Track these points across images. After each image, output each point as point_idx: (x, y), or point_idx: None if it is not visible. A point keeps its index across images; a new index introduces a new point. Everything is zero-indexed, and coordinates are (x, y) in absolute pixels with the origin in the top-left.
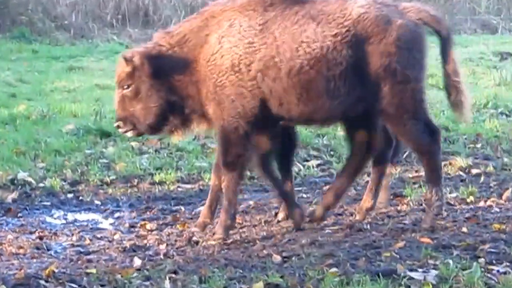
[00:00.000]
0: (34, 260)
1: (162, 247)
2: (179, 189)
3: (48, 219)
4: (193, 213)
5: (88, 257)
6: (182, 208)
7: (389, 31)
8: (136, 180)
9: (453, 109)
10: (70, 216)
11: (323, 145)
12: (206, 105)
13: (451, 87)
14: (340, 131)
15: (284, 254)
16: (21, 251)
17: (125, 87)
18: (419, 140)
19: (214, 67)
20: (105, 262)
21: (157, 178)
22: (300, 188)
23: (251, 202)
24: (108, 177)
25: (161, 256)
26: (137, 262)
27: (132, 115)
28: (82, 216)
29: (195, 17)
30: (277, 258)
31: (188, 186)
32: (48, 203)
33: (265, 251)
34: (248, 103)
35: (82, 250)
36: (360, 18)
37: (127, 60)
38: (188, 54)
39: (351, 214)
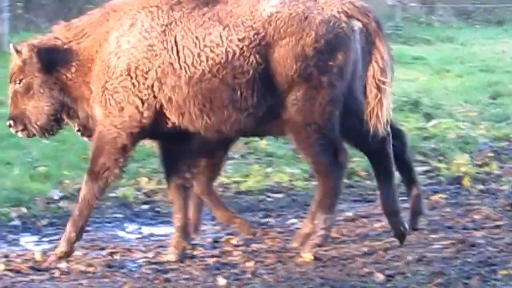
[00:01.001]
0: (106, 280)
1: (250, 264)
2: (268, 199)
3: (121, 233)
4: (283, 225)
5: (166, 276)
6: (272, 220)
7: (306, 30)
8: (219, 189)
9: (367, 113)
10: (146, 230)
11: (431, 149)
12: (92, 107)
13: (374, 87)
14: (449, 134)
15: (387, 272)
16: (91, 269)
17: (17, 82)
18: (318, 158)
19: (108, 68)
20: (185, 281)
21: (243, 187)
22: (405, 198)
23: (349, 214)
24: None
25: (249, 275)
26: (222, 281)
27: (23, 114)
28: (159, 230)
29: (96, 11)
30: (379, 276)
31: (278, 195)
32: (121, 215)
33: (365, 269)
34: (139, 114)
35: (159, 268)
36: (271, 19)
37: (17, 52)
38: (84, 51)
39: (464, 228)
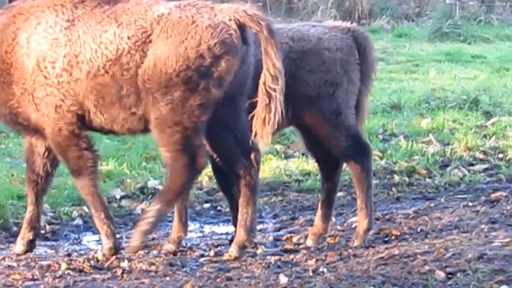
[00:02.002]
0: (167, 279)
1: (311, 262)
2: None
3: None
4: (344, 224)
5: (228, 274)
6: (333, 218)
7: (191, 33)
8: (281, 188)
9: (255, 121)
10: (207, 229)
11: (491, 147)
12: (23, 113)
13: (264, 94)
14: (508, 131)
15: (448, 270)
16: (153, 268)
17: None
18: (176, 158)
19: (23, 70)
20: (247, 280)
21: (304, 185)
22: (465, 196)
23: (410, 211)
24: None
25: (310, 273)
26: (283, 279)
27: None
28: (220, 229)
29: (1, 13)
30: (440, 274)
31: (339, 194)
32: None
33: (426, 267)
34: (62, 103)
35: (221, 266)
36: (161, 19)
37: None
38: None
39: None
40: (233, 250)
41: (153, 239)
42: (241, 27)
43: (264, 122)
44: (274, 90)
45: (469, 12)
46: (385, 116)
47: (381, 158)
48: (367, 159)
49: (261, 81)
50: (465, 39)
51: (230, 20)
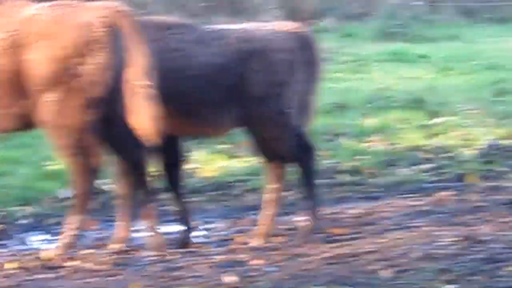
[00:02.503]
0: (113, 278)
1: (257, 261)
2: None
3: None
4: (290, 224)
5: (174, 273)
6: (278, 218)
7: (59, 34)
8: (226, 187)
9: (135, 120)
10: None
11: (436, 146)
12: None
13: (130, 92)
14: (453, 131)
15: (394, 269)
16: (99, 267)
17: None
18: (71, 160)
19: None
20: (193, 279)
21: (250, 185)
22: (410, 195)
23: (355, 211)
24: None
25: (256, 273)
26: (229, 279)
27: None
28: (166, 228)
29: None
30: (386, 273)
31: (285, 193)
32: None
33: (372, 266)
34: None
35: (167, 266)
36: (30, 20)
37: None
38: None
39: (468, 225)
40: None
41: (100, 239)
42: (111, 24)
43: (143, 119)
44: (142, 87)
45: (414, 12)
46: (330, 115)
47: (325, 158)
48: (311, 159)
49: (127, 78)
50: (410, 39)
51: (98, 18)
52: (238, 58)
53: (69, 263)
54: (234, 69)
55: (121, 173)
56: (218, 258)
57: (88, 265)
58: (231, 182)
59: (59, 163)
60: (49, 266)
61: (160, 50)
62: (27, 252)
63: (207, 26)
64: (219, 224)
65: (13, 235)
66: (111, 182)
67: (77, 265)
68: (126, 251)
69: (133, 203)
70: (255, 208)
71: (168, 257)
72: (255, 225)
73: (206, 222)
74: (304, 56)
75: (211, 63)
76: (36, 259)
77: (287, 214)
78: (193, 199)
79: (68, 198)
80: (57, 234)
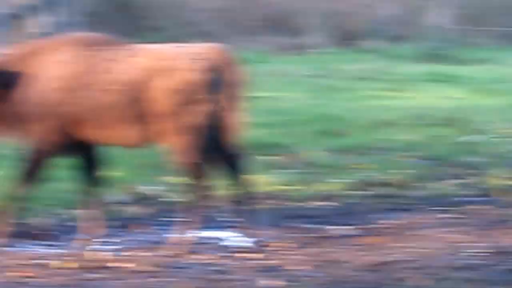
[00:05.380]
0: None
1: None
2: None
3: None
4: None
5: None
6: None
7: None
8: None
9: None
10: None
11: (466, 162)
12: None
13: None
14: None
15: (422, 277)
16: (156, 268)
17: None
18: None
19: None
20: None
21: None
22: (442, 208)
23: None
24: None
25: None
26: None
27: None
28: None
29: None
30: (415, 280)
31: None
32: None
33: (402, 274)
34: None
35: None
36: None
37: None
38: None
39: (494, 236)
40: None
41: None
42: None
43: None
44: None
45: (453, 35)
46: (373, 131)
47: (368, 171)
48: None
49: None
50: (448, 60)
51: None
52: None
53: (126, 264)
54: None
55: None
56: (258, 263)
57: (143, 267)
58: (272, 192)
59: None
60: (106, 267)
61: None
62: (76, 253)
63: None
64: (260, 231)
65: (60, 236)
66: (167, 189)
67: (133, 266)
68: (183, 254)
69: (196, 209)
70: (293, 216)
71: (212, 261)
72: (293, 233)
73: (249, 229)
74: (219, 75)
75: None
76: (86, 260)
77: (319, 223)
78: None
79: (120, 202)
80: (108, 237)
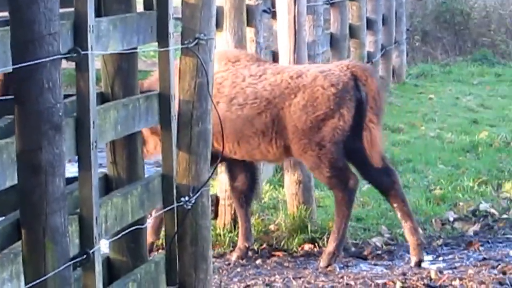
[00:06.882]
0: None
1: None
2: None
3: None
4: None
5: None
6: None
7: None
8: None
9: None
10: None
11: None
12: None
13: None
14: None
15: None
16: (483, 286)
17: None
18: None
19: None
20: None
21: None
22: None
23: None
24: None
25: None
26: None
27: None
28: None
29: None
30: None
31: None
32: None
33: None
34: None
35: None
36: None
37: None
38: None
39: None
40: None
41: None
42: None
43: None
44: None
45: None
46: None
47: None
48: None
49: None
50: None
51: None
52: None
53: (454, 282)
54: None
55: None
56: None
57: (472, 284)
58: None
59: (446, 187)
60: (435, 285)
61: None
62: (415, 271)
63: None
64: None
65: (402, 255)
66: (492, 205)
67: (462, 284)
68: (509, 271)
69: None
70: None
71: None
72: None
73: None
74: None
75: None
76: (423, 278)
77: None
78: None
79: (455, 220)
80: (442, 255)
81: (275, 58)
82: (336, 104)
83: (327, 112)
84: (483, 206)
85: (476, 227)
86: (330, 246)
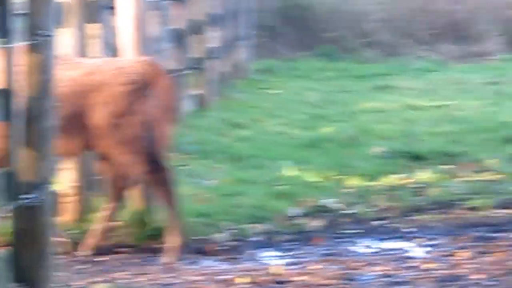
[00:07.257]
0: None
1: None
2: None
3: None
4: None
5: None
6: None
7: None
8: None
9: None
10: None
11: None
12: None
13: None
14: None
15: None
16: (328, 281)
17: None
18: None
19: None
20: None
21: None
22: None
23: None
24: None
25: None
26: None
27: None
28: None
29: None
30: None
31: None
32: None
33: None
34: None
35: (392, 280)
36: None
37: None
38: None
39: None
40: None
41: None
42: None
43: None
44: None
45: None
46: None
47: None
48: None
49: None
50: None
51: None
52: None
53: (297, 278)
54: None
55: None
56: (440, 272)
57: (317, 280)
58: (452, 201)
59: (289, 183)
60: (278, 281)
61: None
62: (258, 268)
63: None
64: (441, 241)
65: (245, 251)
66: (336, 201)
67: (304, 280)
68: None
69: None
70: (476, 225)
71: (392, 272)
72: (475, 242)
73: (429, 239)
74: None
75: None
76: (267, 275)
77: (499, 231)
78: (417, 217)
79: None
80: (287, 250)
81: (117, 55)
82: (129, 101)
83: (123, 109)
84: (327, 201)
85: (320, 222)
86: (171, 241)
